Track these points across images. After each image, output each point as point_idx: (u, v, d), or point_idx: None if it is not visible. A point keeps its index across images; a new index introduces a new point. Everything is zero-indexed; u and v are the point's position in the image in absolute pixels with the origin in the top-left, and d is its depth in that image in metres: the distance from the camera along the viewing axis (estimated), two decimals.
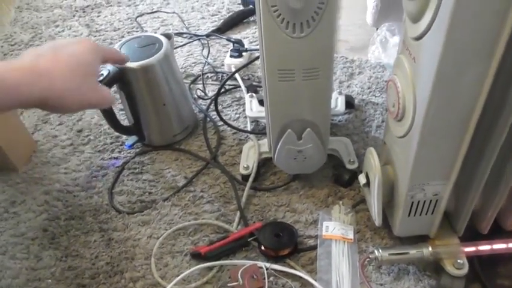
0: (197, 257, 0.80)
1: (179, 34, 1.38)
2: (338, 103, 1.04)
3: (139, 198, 0.93)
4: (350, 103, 1.08)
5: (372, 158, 0.72)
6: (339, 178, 0.91)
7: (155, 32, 1.34)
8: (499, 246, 0.72)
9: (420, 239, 0.75)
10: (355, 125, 1.05)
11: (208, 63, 1.25)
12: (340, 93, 1.07)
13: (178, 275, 0.76)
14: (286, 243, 0.79)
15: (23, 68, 0.52)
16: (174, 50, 1.28)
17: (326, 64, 0.72)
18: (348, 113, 1.08)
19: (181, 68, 1.25)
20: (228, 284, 0.73)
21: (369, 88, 1.14)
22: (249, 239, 0.82)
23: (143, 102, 0.95)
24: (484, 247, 0.72)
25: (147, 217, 0.89)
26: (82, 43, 0.59)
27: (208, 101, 1.14)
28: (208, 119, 1.10)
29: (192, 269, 0.77)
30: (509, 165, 0.64)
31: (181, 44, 1.34)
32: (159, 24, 1.46)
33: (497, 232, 0.75)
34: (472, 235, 0.75)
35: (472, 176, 0.66)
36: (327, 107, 0.81)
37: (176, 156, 1.02)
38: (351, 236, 0.81)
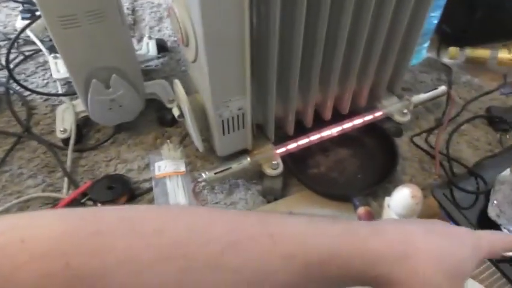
0: None
1: None
2: (149, 48, 1.03)
3: None
4: (162, 46, 1.08)
5: (179, 90, 0.75)
6: (162, 119, 0.93)
7: None
8: (303, 141, 0.84)
9: (242, 154, 0.83)
10: (171, 66, 1.06)
11: None
12: (150, 37, 1.06)
13: None
14: (120, 192, 0.80)
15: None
16: None
17: (108, 4, 0.70)
18: (162, 56, 1.08)
19: None
20: None
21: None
22: (83, 200, 0.80)
23: None
24: (292, 145, 0.84)
25: None
26: (467, 244, 0.36)
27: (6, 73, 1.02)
28: (11, 91, 0.99)
29: None
30: (293, 75, 0.73)
31: None
32: None
33: (302, 131, 0.86)
34: (283, 139, 0.85)
35: (266, 87, 0.75)
36: (128, 50, 0.80)
37: None
38: (183, 169, 0.85)
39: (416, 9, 0.79)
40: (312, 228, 0.33)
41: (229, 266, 0.30)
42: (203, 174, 0.78)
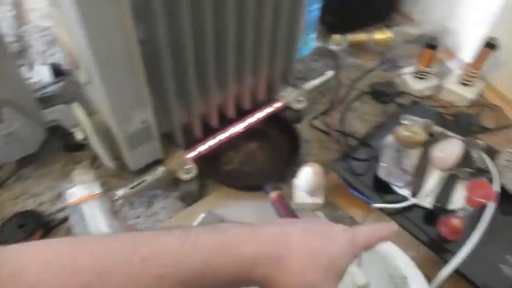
0: None
1: None
2: (43, 75, 1.00)
3: None
4: (58, 70, 1.05)
5: (78, 113, 0.75)
6: (68, 145, 0.92)
7: None
8: (212, 142, 0.89)
9: (156, 164, 0.85)
10: (71, 89, 1.04)
11: None
12: (43, 63, 1.03)
13: None
14: (33, 228, 0.77)
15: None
16: None
17: None
18: (60, 80, 1.05)
19: None
20: None
21: None
22: None
23: None
24: (202, 147, 0.87)
25: None
26: (340, 243, 0.39)
27: None
28: None
29: None
30: (190, 80, 0.77)
31: None
32: None
33: (210, 132, 0.90)
34: (194, 142, 0.89)
35: (166, 97, 0.77)
36: (17, 80, 0.78)
37: None
38: (97, 191, 0.84)
39: (293, 6, 0.86)
40: (188, 244, 0.34)
41: None
42: (118, 192, 0.79)
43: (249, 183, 0.87)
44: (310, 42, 1.21)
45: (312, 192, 0.78)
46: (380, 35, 1.23)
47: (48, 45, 1.15)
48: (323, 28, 1.28)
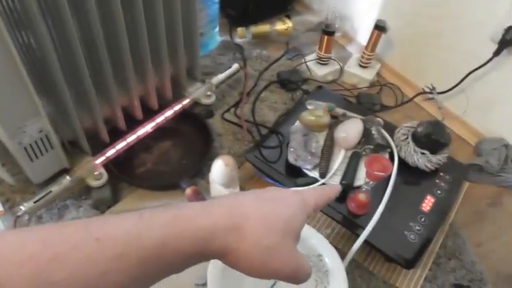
0: None
1: None
2: None
3: None
4: None
5: None
6: None
7: None
8: (121, 145, 0.86)
9: (62, 174, 0.80)
10: None
11: None
12: None
13: None
14: None
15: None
16: None
17: None
18: None
19: None
20: None
21: None
22: None
23: None
24: (110, 152, 0.84)
25: None
26: (292, 204, 0.40)
27: None
28: None
29: None
30: (86, 84, 0.74)
31: None
32: None
33: (119, 135, 0.88)
34: (102, 147, 0.85)
35: (62, 103, 0.73)
36: None
37: None
38: (0, 208, 0.78)
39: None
40: (143, 222, 0.34)
41: (54, 280, 0.29)
42: (21, 207, 0.74)
43: (164, 182, 0.86)
44: (214, 36, 1.22)
45: (227, 184, 0.79)
46: (282, 25, 1.27)
47: None
48: (226, 22, 1.30)
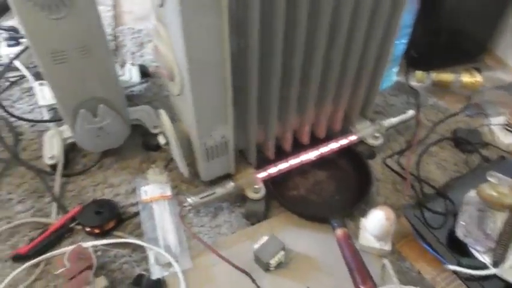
0: (20, 259, 0.77)
1: None
2: (132, 74, 1.07)
3: None
4: (144, 72, 1.12)
5: (164, 119, 0.78)
6: (147, 144, 0.97)
7: None
8: (283, 166, 0.89)
9: (226, 178, 0.87)
10: (154, 91, 1.10)
11: None
12: (133, 64, 1.09)
13: (1, 283, 0.73)
14: (108, 217, 0.82)
15: None
16: None
17: (96, 40, 0.74)
18: (145, 81, 1.12)
19: None
20: (55, 272, 0.73)
21: None
22: (71, 225, 0.82)
23: None
24: (272, 170, 0.88)
25: None
26: None
27: None
28: None
29: (14, 272, 0.74)
30: (272, 102, 0.78)
31: None
32: None
33: (282, 155, 0.91)
34: (264, 163, 0.90)
35: (246, 116, 0.79)
36: (114, 81, 0.84)
37: None
38: (168, 193, 0.88)
39: (384, 38, 0.85)
40: None
41: None
42: (189, 199, 0.82)
43: (313, 213, 0.87)
44: (391, 76, 1.18)
45: (380, 237, 0.76)
46: (469, 77, 1.17)
47: (138, 47, 1.21)
48: (405, 62, 1.25)
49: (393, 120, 1.00)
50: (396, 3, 0.79)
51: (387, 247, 0.77)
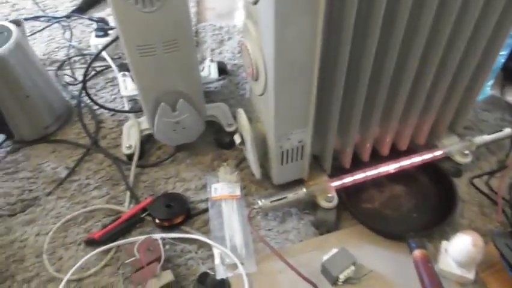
0: (92, 243, 0.80)
1: (36, 18, 1.27)
2: (210, 70, 1.07)
3: (19, 197, 0.88)
4: (222, 69, 1.12)
5: (242, 118, 0.77)
6: (220, 142, 0.97)
7: (6, 19, 1.22)
8: (359, 176, 0.84)
9: (297, 183, 0.84)
10: (230, 89, 1.10)
11: (73, 47, 1.19)
12: (212, 60, 1.10)
13: (74, 266, 0.76)
14: (178, 212, 0.83)
15: None
16: (32, 36, 1.19)
17: (184, 35, 0.74)
18: (222, 78, 1.12)
19: (44, 55, 1.17)
20: (125, 262, 0.75)
21: (239, 52, 1.19)
22: (142, 215, 0.84)
23: (2, 97, 0.88)
24: (347, 179, 0.84)
25: (31, 215, 0.85)
26: None
27: (80, 86, 1.09)
28: (83, 104, 1.06)
29: (87, 256, 0.77)
30: (356, 109, 0.74)
31: (39, 28, 1.24)
32: (9, 9, 1.32)
33: (358, 165, 0.87)
34: (339, 171, 0.86)
35: (327, 122, 0.76)
36: (195, 76, 0.84)
37: (54, 148, 0.97)
38: (238, 192, 0.87)
39: (487, 49, 0.77)
40: None
41: None
42: (259, 202, 0.80)
43: (388, 229, 0.81)
44: (485, 89, 1.08)
45: (463, 264, 0.69)
46: None
47: (218, 44, 1.22)
48: (502, 75, 1.14)
49: (487, 137, 0.91)
50: (508, 10, 0.71)
51: (471, 275, 0.70)
